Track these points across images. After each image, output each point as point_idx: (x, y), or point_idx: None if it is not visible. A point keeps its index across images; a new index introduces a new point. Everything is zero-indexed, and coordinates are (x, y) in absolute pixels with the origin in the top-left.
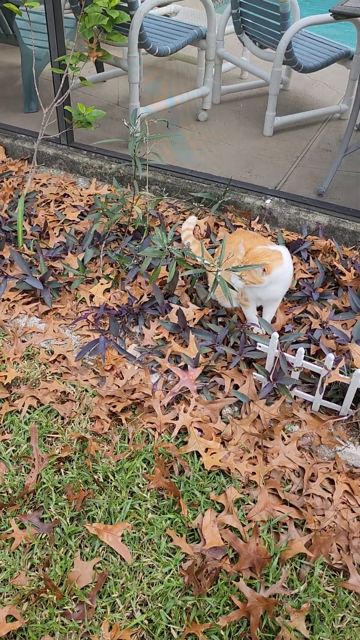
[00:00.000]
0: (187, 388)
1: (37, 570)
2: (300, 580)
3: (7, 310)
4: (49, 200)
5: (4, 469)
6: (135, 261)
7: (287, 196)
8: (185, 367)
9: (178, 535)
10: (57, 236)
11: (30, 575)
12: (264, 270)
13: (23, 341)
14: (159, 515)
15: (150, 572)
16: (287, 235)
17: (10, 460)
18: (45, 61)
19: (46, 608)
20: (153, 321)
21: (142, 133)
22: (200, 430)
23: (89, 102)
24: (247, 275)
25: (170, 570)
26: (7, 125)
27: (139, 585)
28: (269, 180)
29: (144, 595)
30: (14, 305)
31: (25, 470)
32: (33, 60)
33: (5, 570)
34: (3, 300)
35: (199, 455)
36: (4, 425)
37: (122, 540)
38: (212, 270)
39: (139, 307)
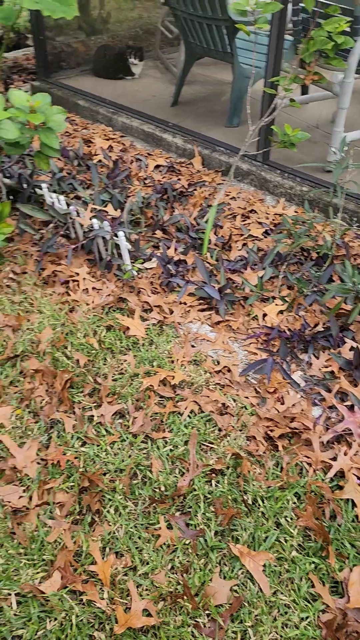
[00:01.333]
0: (351, 430)
1: (176, 574)
2: None
3: (182, 314)
4: (235, 214)
5: (160, 465)
6: (314, 288)
7: None
8: (351, 408)
9: (321, 583)
10: (239, 250)
11: (169, 577)
12: None
13: (192, 346)
14: (304, 555)
15: (287, 612)
16: None
17: (167, 459)
18: (255, 80)
19: (180, 614)
20: (323, 352)
21: (347, 160)
22: (359, 478)
23: (289, 122)
24: None
25: (307, 617)
26: (209, 137)
27: (273, 622)
28: None
29: (277, 634)
30: (189, 310)
31: (178, 472)
32: (251, 80)
33: (147, 564)
34: (180, 303)
35: (354, 505)
36: (166, 424)
37: (262, 571)
38: None
39: (312, 335)
